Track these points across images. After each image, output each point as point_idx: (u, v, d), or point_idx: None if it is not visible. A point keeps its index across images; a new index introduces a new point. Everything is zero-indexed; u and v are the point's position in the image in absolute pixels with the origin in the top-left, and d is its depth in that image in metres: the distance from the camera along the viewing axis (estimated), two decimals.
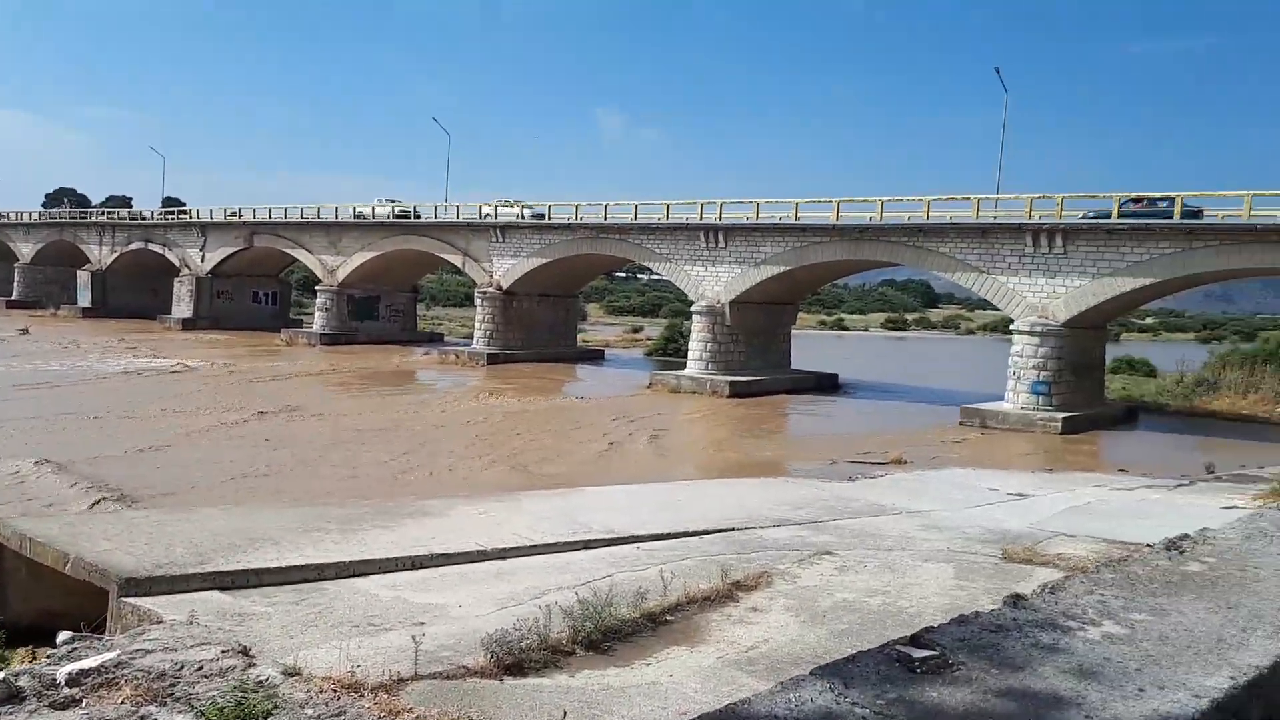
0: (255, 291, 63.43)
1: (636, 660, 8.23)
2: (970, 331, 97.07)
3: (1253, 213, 28.38)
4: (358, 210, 53.41)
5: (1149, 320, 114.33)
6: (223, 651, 7.88)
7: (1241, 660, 2.41)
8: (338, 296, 53.90)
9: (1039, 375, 31.33)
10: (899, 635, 8.19)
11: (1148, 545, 10.49)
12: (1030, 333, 31.65)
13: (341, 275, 53.65)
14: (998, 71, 39.73)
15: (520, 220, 46.25)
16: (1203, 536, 3.74)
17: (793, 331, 43.76)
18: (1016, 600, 2.73)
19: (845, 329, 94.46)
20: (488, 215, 46.79)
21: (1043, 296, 31.86)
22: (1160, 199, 30.93)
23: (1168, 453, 27.72)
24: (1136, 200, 31.38)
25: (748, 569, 10.97)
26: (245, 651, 7.91)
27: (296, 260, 58.99)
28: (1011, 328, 32.89)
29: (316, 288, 55.79)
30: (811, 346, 53.59)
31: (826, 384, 41.01)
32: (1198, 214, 30.14)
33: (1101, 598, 2.81)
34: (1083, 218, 31.88)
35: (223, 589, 9.74)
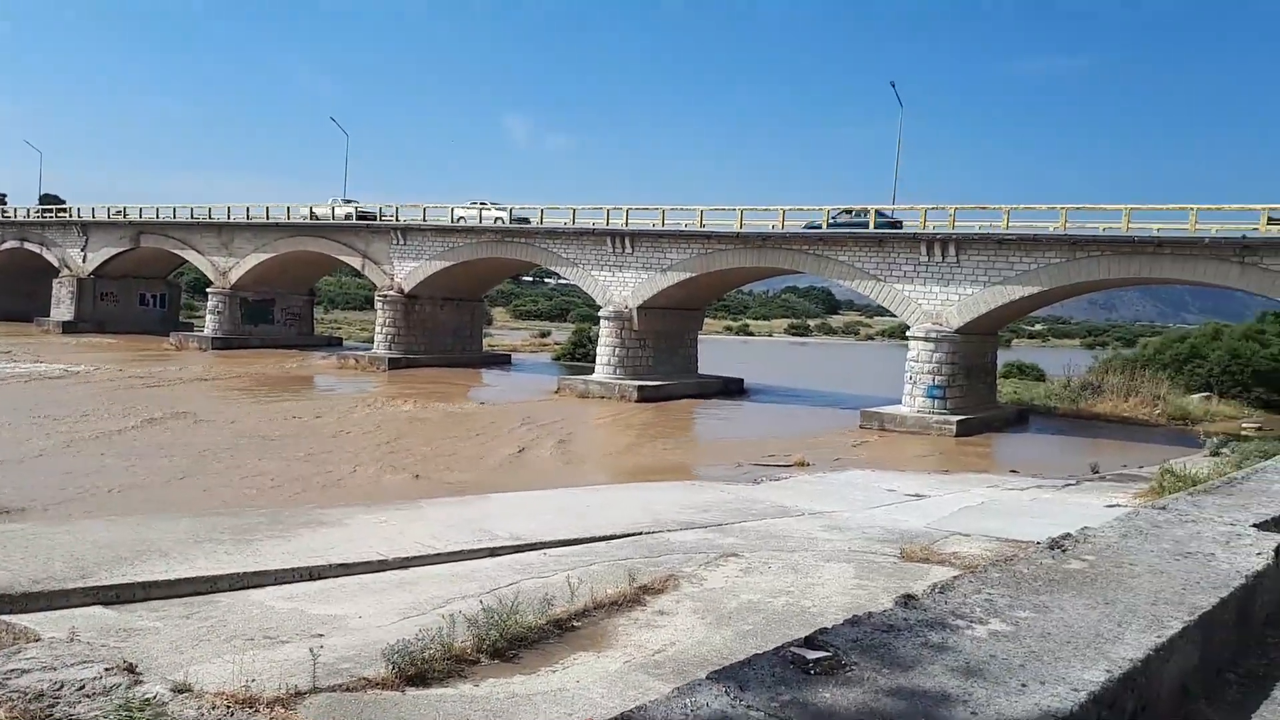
0: (142, 294, 60.83)
1: (543, 667, 8.19)
2: (870, 337, 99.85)
3: (1131, 225, 29.97)
4: (317, 209, 50.75)
5: (1038, 327, 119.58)
6: (106, 669, 7.53)
7: (1117, 654, 2.53)
8: (230, 299, 52.06)
9: (934, 379, 32.39)
10: (801, 635, 8.39)
11: (1036, 543, 10.98)
12: (925, 339, 32.70)
13: (234, 277, 51.87)
14: (893, 86, 41.07)
15: (421, 223, 45.54)
16: (1083, 535, 3.92)
17: (699, 337, 44.21)
18: (908, 600, 2.82)
19: (750, 334, 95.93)
20: (462, 218, 44.42)
21: (937, 304, 32.96)
22: (860, 210, 35.47)
23: (1056, 453, 28.98)
24: (846, 211, 35.88)
25: (655, 573, 11.04)
26: (131, 668, 7.58)
27: (186, 262, 56.80)
28: (908, 334, 33.93)
29: (208, 290, 53.75)
30: (718, 351, 54.23)
31: (732, 388, 41.57)
32: (897, 224, 34.68)
33: (989, 596, 2.92)
34: (806, 226, 35.81)
35: (107, 604, 9.33)
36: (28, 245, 61.07)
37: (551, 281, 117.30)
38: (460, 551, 12.09)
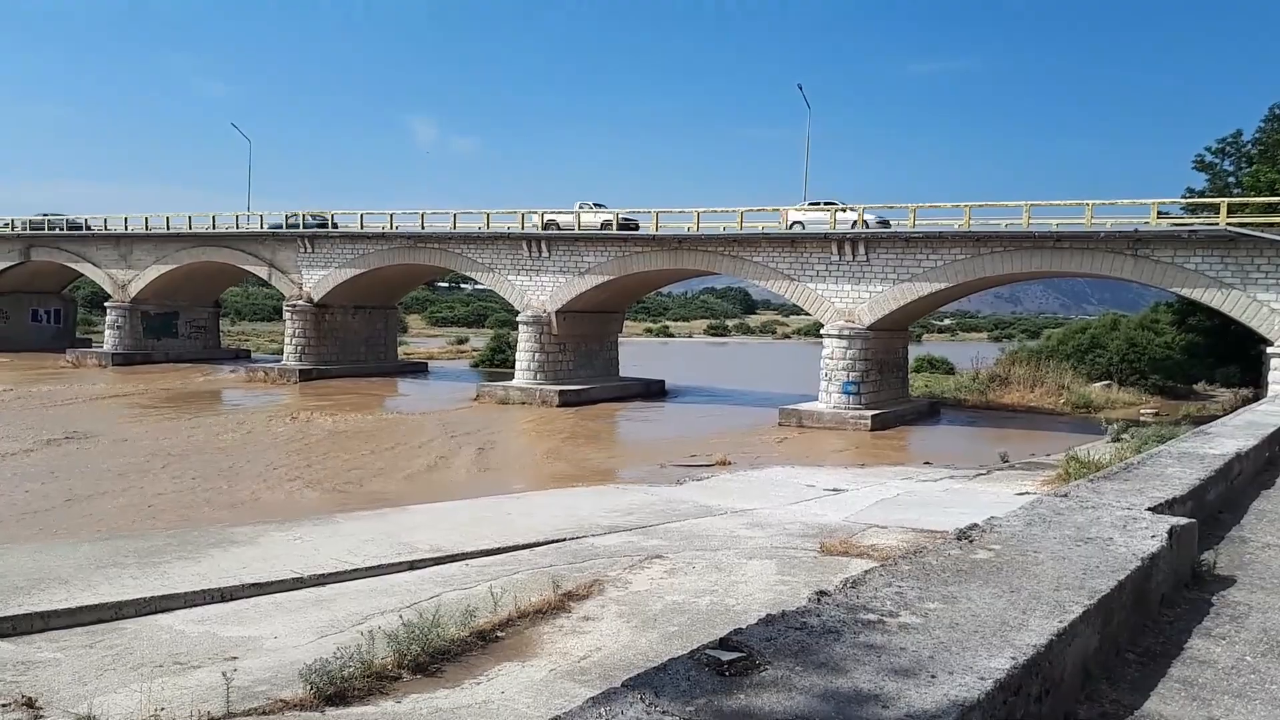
0: (34, 310, 58.10)
1: (466, 680, 8.08)
2: (786, 336, 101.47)
3: (1031, 221, 31.08)
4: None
5: (947, 321, 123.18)
6: (2, 705, 7.20)
7: (1021, 640, 2.60)
8: (130, 313, 50.10)
9: (848, 376, 33.07)
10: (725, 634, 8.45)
11: (948, 533, 11.28)
12: (839, 336, 33.37)
13: (134, 290, 49.94)
14: (800, 88, 41.77)
15: (330, 230, 44.56)
16: (990, 525, 4.04)
17: (619, 339, 44.28)
18: (821, 596, 2.86)
19: (670, 336, 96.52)
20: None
21: (849, 302, 33.66)
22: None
23: (967, 444, 29.85)
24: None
25: (580, 578, 11.00)
26: (30, 703, 7.26)
27: (83, 275, 54.44)
28: (822, 332, 34.56)
29: (106, 304, 51.58)
30: (638, 354, 54.41)
31: (654, 390, 41.74)
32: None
33: (899, 589, 2.97)
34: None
35: (2, 636, 8.87)
36: None
37: (468, 287, 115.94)
38: (379, 566, 11.85)
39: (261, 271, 47.13)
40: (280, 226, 45.56)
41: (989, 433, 32.14)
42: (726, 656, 2.24)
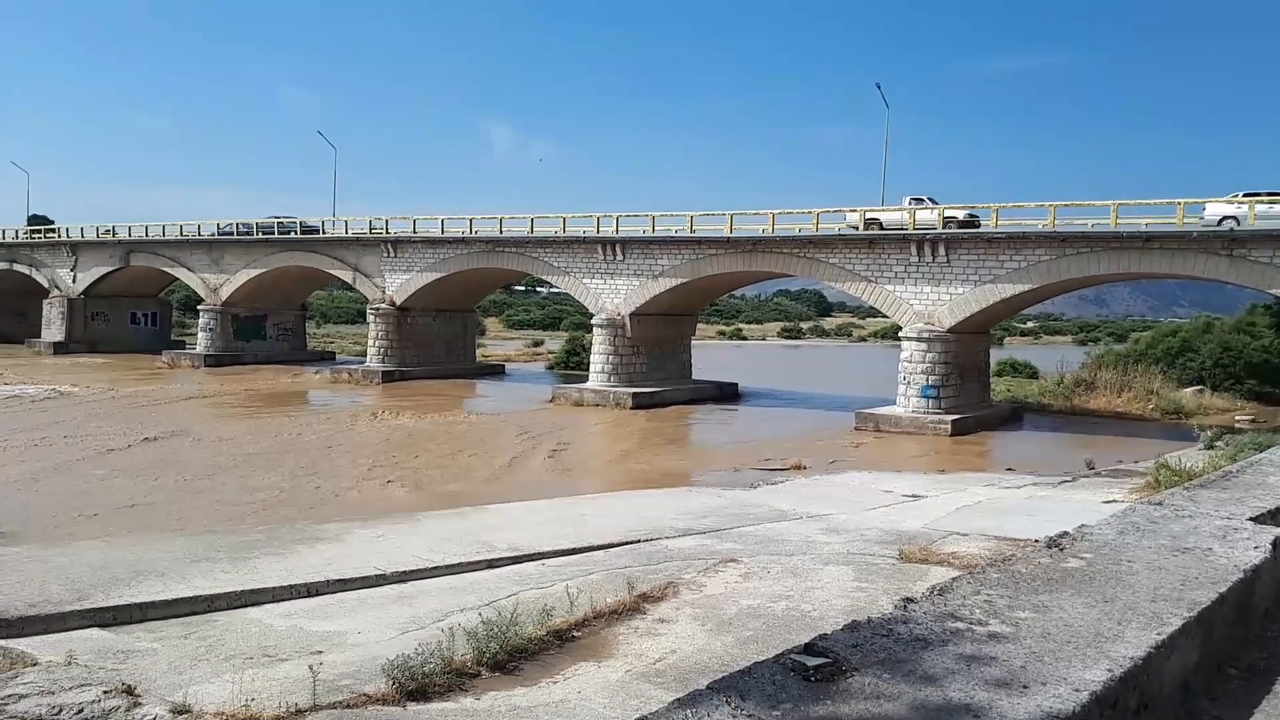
0: (134, 313, 60.62)
1: (543, 679, 8.16)
2: (862, 339, 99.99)
3: (1119, 221, 30.08)
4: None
5: (1030, 324, 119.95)
6: (105, 692, 7.49)
7: (1117, 652, 2.53)
8: (222, 316, 51.94)
9: (928, 379, 32.44)
10: (803, 640, 8.37)
11: (1034, 541, 10.98)
12: (918, 339, 32.76)
13: (225, 294, 51.75)
14: (879, 87, 41.15)
15: (412, 235, 45.52)
16: (1081, 533, 3.93)
17: (693, 342, 44.23)
18: (907, 603, 2.81)
19: (743, 339, 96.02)
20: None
21: (928, 304, 33.03)
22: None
23: (1051, 451, 29.02)
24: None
25: (654, 580, 11.01)
26: (130, 691, 7.55)
27: (177, 279, 56.63)
28: (900, 334, 33.98)
29: (199, 307, 53.60)
30: (711, 356, 54.25)
31: (727, 393, 41.56)
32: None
33: (988, 597, 2.92)
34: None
35: (104, 626, 9.27)
36: (17, 267, 60.88)
37: (544, 290, 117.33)
38: (458, 564, 12.05)
39: (346, 276, 48.39)
40: (365, 232, 46.75)
41: (1074, 439, 31.20)
42: (812, 662, 2.23)
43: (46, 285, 59.00)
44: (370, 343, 46.65)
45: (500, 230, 42.76)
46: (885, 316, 36.87)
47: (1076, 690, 2.24)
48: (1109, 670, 2.39)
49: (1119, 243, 30.13)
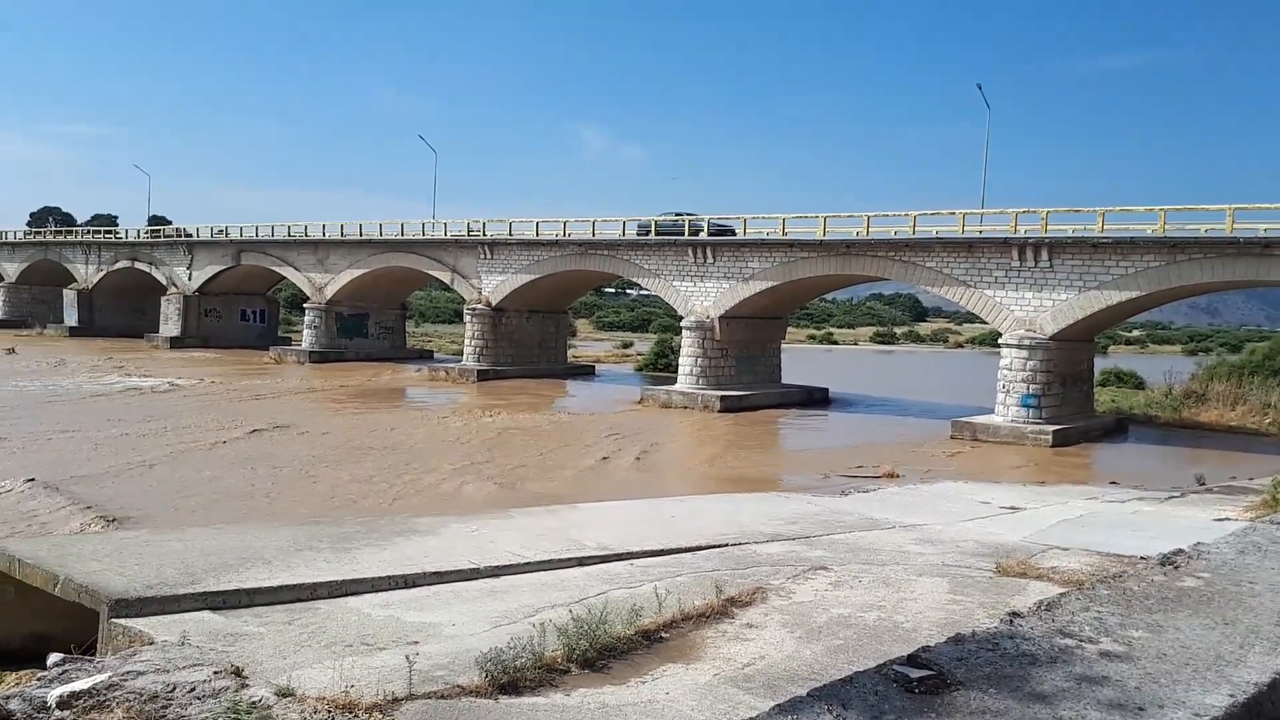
0: (243, 310, 63.23)
1: (632, 678, 8.20)
2: (959, 345, 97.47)
3: (1235, 226, 28.65)
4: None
5: (1136, 333, 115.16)
6: (215, 672, 7.82)
7: (1240, 677, 2.42)
8: (326, 314, 53.76)
9: (1028, 388, 31.47)
10: (896, 650, 8.21)
11: (1142, 558, 10.52)
12: (1018, 346, 31.81)
13: (330, 293, 53.53)
14: (979, 88, 40.16)
15: (508, 237, 46.31)
16: (1197, 551, 3.77)
17: (782, 346, 43.86)
18: (1013, 617, 2.75)
19: (834, 343, 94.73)
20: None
21: (1030, 310, 32.05)
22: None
23: (1158, 464, 27.84)
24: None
25: (742, 585, 10.95)
26: (238, 672, 7.86)
27: (284, 278, 58.83)
28: (1000, 341, 33.05)
29: (305, 305, 55.62)
30: (801, 361, 53.68)
31: (817, 398, 41.08)
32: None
33: (1098, 614, 2.83)
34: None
35: (214, 609, 9.66)
36: (138, 265, 64.18)
37: (633, 293, 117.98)
38: (549, 561, 12.19)
39: (444, 276, 49.54)
40: (463, 234, 47.82)
41: (1182, 452, 29.85)
42: (916, 673, 2.20)
43: (164, 282, 62.03)
44: (466, 342, 47.66)
45: (593, 232, 43.16)
46: (984, 322, 35.94)
47: (1196, 715, 2.16)
48: (1231, 696, 2.29)
49: (1234, 249, 28.70)
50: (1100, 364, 43.91)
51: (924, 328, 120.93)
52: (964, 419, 32.09)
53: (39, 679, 8.21)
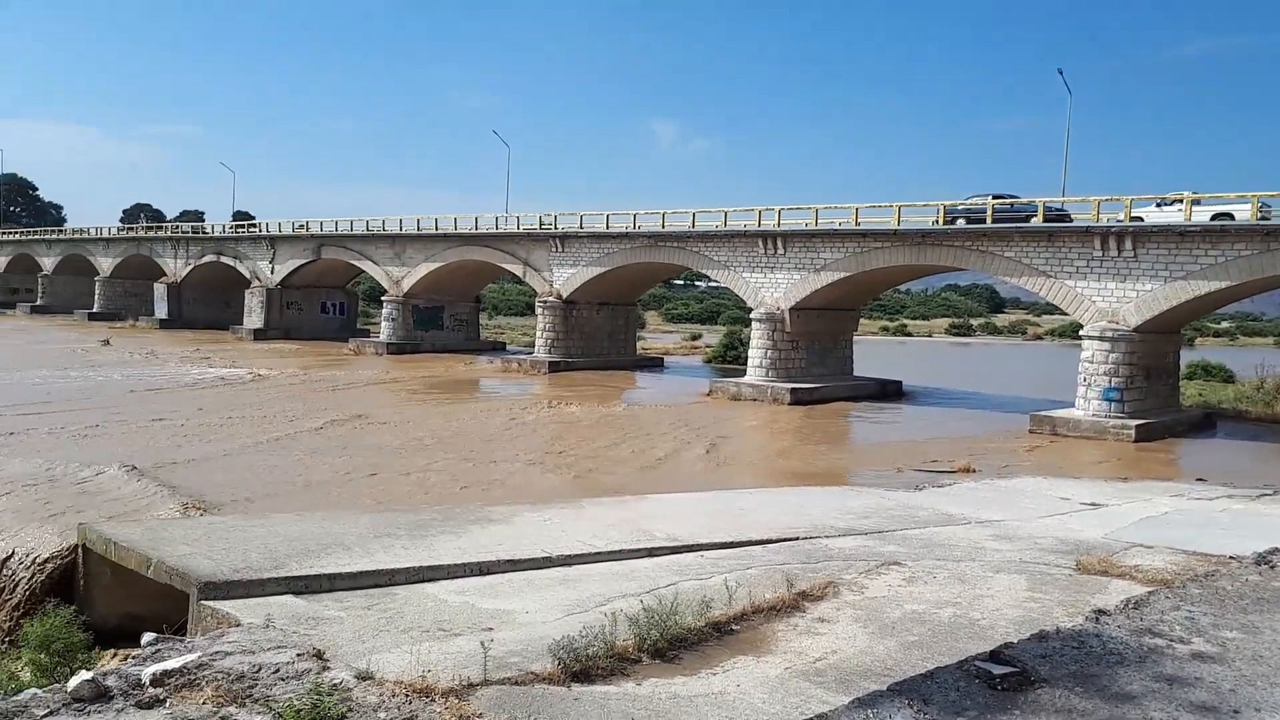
0: (324, 302, 64.85)
1: (703, 669, 8.22)
2: (1038, 337, 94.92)
3: None
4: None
5: (1225, 324, 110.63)
6: (298, 654, 8.08)
7: None
8: (403, 307, 54.87)
9: (1110, 381, 30.54)
10: (972, 648, 8.08)
11: (1232, 558, 10.14)
12: (1100, 338, 30.88)
13: (406, 286, 54.59)
14: (1060, 73, 39.03)
15: (579, 230, 46.60)
16: None
17: (854, 338, 43.30)
18: (1099, 615, 2.69)
19: (908, 335, 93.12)
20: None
21: (1113, 301, 31.08)
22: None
23: (1248, 461, 26.81)
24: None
25: (813, 579, 10.89)
26: (319, 655, 8.10)
27: (363, 271, 60.15)
28: (1081, 333, 32.12)
29: (382, 298, 56.87)
30: (874, 353, 52.95)
31: (890, 391, 40.48)
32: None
33: (1189, 614, 2.75)
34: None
35: (297, 593, 9.97)
36: (223, 259, 66.31)
37: (702, 284, 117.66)
38: (620, 551, 12.29)
39: (517, 269, 50.13)
40: (535, 228, 48.30)
41: (1275, 449, 28.67)
42: (999, 670, 2.17)
43: (248, 276, 63.99)
44: (538, 334, 48.19)
45: (662, 225, 43.14)
46: (1064, 314, 34.94)
47: None
48: None
49: None
50: (1187, 356, 42.41)
51: (1001, 319, 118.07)
52: (1043, 413, 31.30)
53: (134, 657, 8.58)
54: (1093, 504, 17.34)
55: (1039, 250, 32.72)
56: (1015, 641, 2.36)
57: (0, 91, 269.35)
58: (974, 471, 22.49)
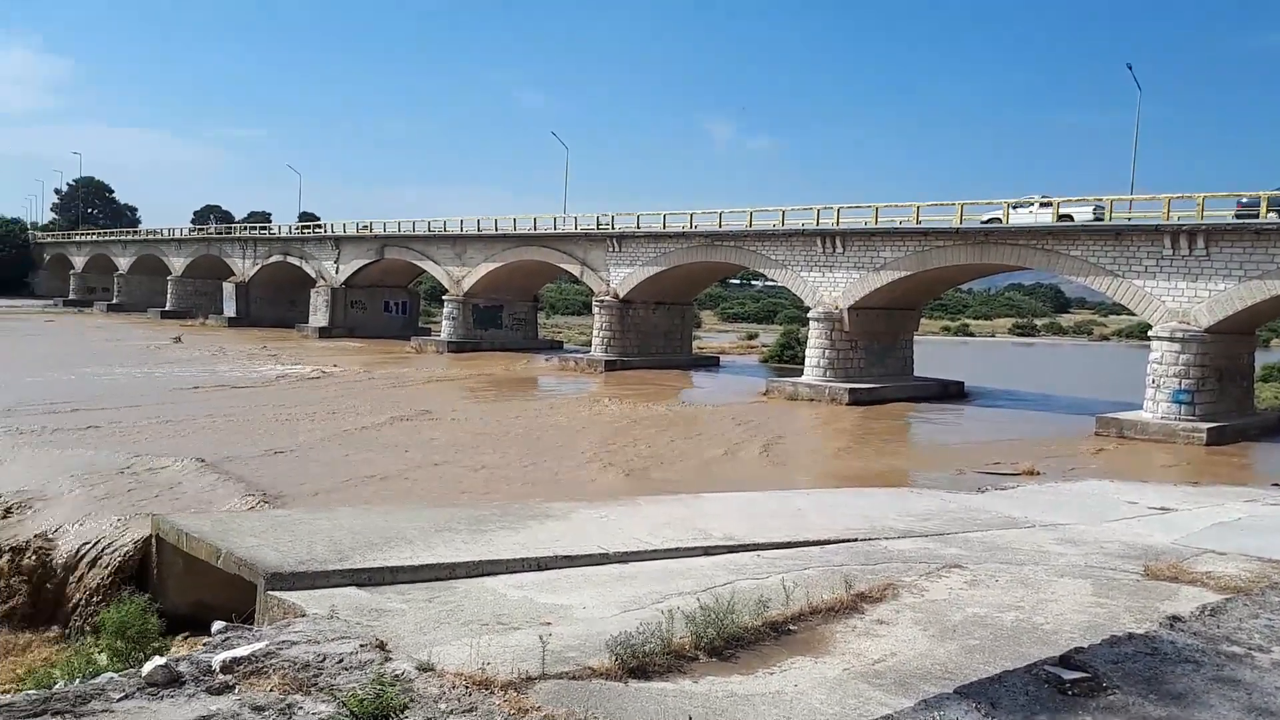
0: (387, 301, 65.96)
1: (760, 668, 8.20)
2: (1104, 337, 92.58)
3: None
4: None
5: None
6: (361, 645, 8.25)
7: None
8: (463, 306, 55.58)
9: (1180, 383, 29.67)
10: (1036, 652, 7.94)
11: None
12: (1170, 339, 30.02)
13: (466, 285, 55.27)
14: (1129, 68, 38.00)
15: (635, 230, 46.69)
16: None
17: (915, 337, 42.71)
18: (1173, 622, 2.63)
19: (970, 335, 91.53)
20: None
21: (1183, 301, 30.18)
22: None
23: None
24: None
25: (872, 580, 10.79)
26: (382, 646, 8.26)
27: (424, 271, 61.05)
28: (1150, 334, 31.27)
29: (443, 298, 57.71)
30: (935, 353, 52.19)
31: (951, 391, 39.85)
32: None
33: (1269, 621, 2.67)
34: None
35: (360, 585, 10.17)
36: (290, 259, 67.84)
37: (759, 284, 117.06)
38: (676, 549, 12.31)
39: (574, 269, 50.45)
40: (592, 228, 48.56)
41: None
42: (1069, 675, 2.14)
43: (313, 276, 65.38)
44: (594, 333, 48.42)
45: (719, 224, 43.02)
46: (1131, 314, 34.07)
47: None
48: None
49: None
50: (1262, 358, 40.99)
51: (1066, 319, 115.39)
52: (1109, 415, 30.54)
53: (204, 644, 8.84)
54: (1161, 509, 16.89)
55: (1106, 249, 31.93)
56: (1086, 646, 2.32)
57: (79, 98, 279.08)
58: (1038, 474, 22.05)
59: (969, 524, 14.81)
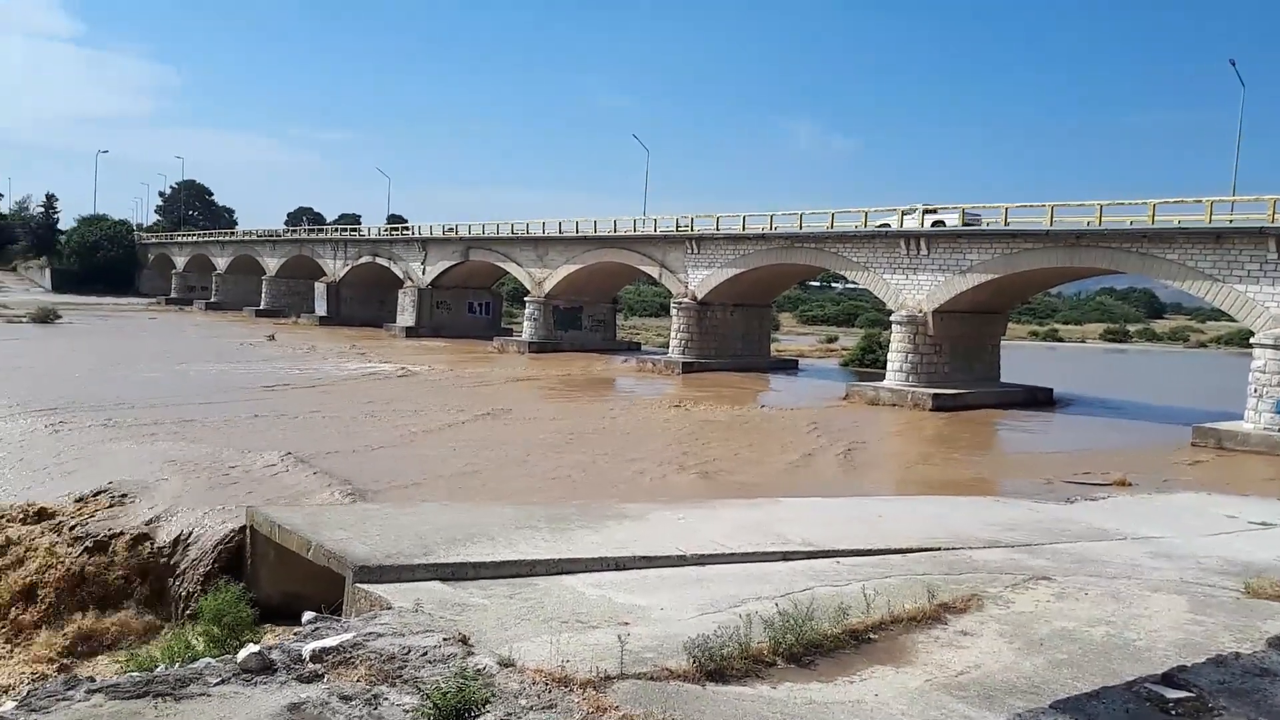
0: (471, 302, 67.13)
1: (839, 676, 8.13)
2: (1202, 344, 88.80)
3: None
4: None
5: None
6: (444, 639, 8.44)
7: None
8: (544, 307, 56.26)
9: None
10: (1127, 669, 7.69)
11: None
12: (1275, 346, 28.64)
13: (547, 287, 55.91)
14: (1233, 64, 36.43)
15: (714, 232, 46.59)
16: None
17: (1001, 342, 41.64)
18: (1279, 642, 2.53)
19: (1059, 340, 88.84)
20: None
21: None
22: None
23: None
24: None
25: (956, 590, 10.59)
26: (464, 640, 8.44)
27: (507, 273, 61.95)
28: (1252, 341, 29.91)
29: (525, 299, 58.49)
30: (1022, 359, 50.83)
31: (1040, 398, 38.73)
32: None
33: None
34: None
35: (444, 579, 10.40)
36: (378, 260, 69.61)
37: (839, 286, 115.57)
38: (753, 553, 12.27)
39: (653, 271, 50.60)
40: (671, 230, 48.64)
41: None
42: (1172, 694, 2.09)
43: (401, 276, 66.96)
44: (672, 335, 48.47)
45: (800, 225, 42.62)
46: (1231, 320, 32.63)
47: None
48: None
49: None
50: None
51: (1160, 325, 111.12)
52: (1207, 425, 29.32)
53: (295, 634, 9.16)
54: (1263, 523, 16.16)
55: (1205, 252, 30.66)
56: (1190, 665, 2.24)
57: (183, 104, 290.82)
58: (1130, 485, 21.30)
59: (1057, 535, 14.42)
